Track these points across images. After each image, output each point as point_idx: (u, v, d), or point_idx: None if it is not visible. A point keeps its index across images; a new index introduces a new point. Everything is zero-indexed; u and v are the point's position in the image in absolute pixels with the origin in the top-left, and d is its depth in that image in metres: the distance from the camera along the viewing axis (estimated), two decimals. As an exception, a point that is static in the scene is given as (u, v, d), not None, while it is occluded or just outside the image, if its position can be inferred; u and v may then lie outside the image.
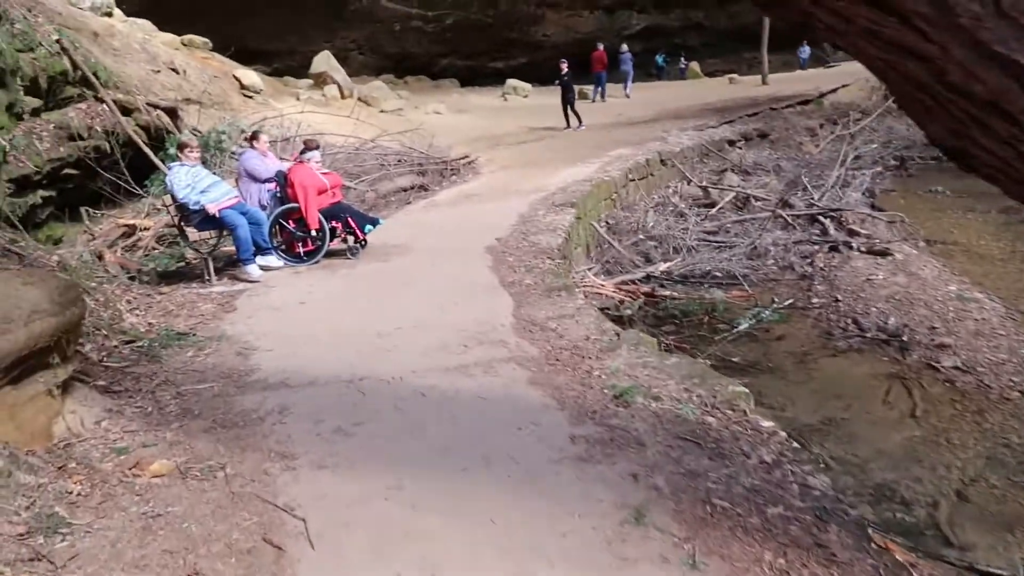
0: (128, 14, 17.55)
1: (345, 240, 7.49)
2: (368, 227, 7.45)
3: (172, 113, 12.01)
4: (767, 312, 7.23)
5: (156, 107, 11.89)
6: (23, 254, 4.55)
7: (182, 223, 6.93)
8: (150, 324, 5.49)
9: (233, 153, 11.58)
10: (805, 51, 30.17)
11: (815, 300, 7.53)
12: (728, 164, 14.03)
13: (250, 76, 17.00)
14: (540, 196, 9.89)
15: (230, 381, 4.24)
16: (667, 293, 8.00)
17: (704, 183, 12.32)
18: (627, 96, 23.93)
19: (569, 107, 17.17)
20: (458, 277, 6.44)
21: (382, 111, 18.64)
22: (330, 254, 7.39)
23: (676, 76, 31.82)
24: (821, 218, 9.89)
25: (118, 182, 10.32)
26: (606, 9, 33.93)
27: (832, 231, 9.38)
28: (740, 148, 15.10)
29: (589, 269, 8.79)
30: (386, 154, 13.05)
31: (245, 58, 23.22)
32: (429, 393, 3.89)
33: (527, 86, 23.99)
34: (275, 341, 4.96)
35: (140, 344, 4.82)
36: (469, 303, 5.58)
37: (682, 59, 32.30)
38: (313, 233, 7.26)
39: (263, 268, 7.04)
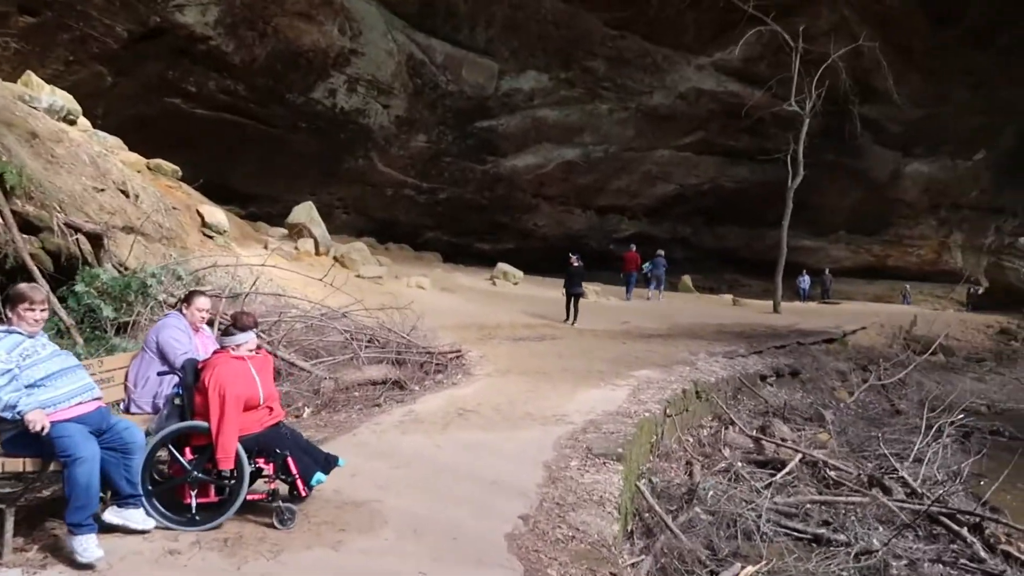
0: (111, 131, 15.09)
1: (272, 492, 4.26)
2: (317, 478, 4.28)
3: (95, 240, 9.01)
4: None
5: (77, 229, 8.92)
6: None
7: (-20, 435, 3.70)
8: None
9: (161, 303, 8.56)
10: (805, 280, 28.89)
11: None
12: (765, 405, 11.30)
13: (216, 214, 14.28)
14: (565, 431, 6.87)
15: None
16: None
17: (754, 432, 9.48)
18: (657, 299, 23.75)
19: (573, 301, 15.62)
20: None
21: (359, 275, 15.90)
22: (246, 506, 4.17)
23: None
24: (948, 520, 6.93)
25: (-14, 319, 7.21)
26: (598, 210, 32.86)
27: (979, 548, 6.39)
28: (771, 385, 12.47)
29: (635, 565, 5.61)
30: (356, 331, 10.05)
31: (222, 196, 20.70)
32: None
33: (518, 273, 21.71)
34: None
35: None
36: None
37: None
38: (225, 473, 4.08)
39: (115, 527, 3.80)
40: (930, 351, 16.75)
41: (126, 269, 9.12)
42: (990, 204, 36.64)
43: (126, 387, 4.80)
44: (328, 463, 4.51)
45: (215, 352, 4.32)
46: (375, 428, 6.68)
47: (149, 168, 14.68)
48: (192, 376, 4.19)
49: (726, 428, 9.55)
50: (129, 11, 16.08)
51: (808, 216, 32.28)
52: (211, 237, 13.92)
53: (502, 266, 21.96)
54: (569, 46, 25.79)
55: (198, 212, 14.16)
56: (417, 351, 9.83)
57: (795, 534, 6.91)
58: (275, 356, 8.71)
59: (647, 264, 23.97)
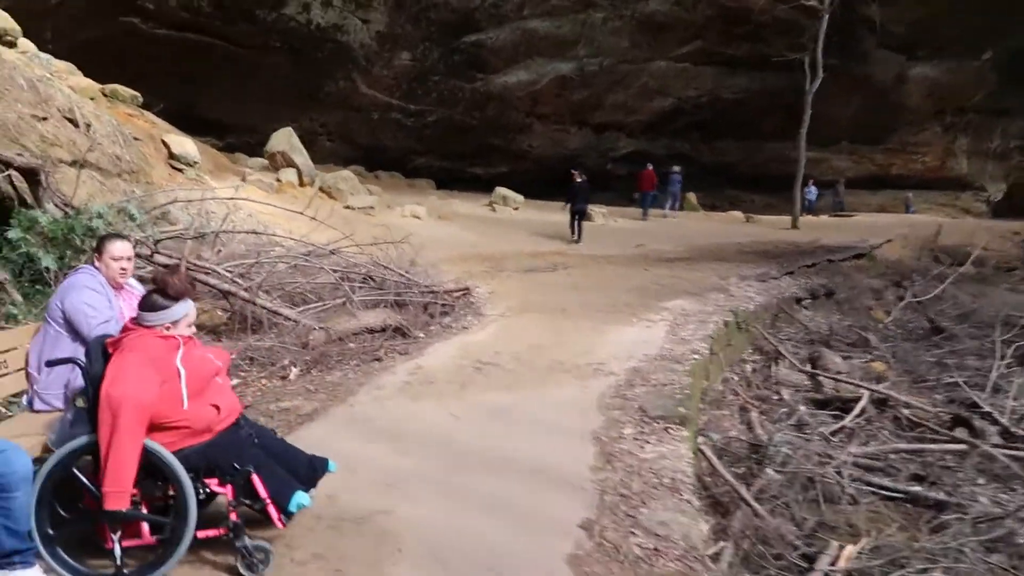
0: (63, 57, 13.31)
1: (234, 525, 2.90)
2: (297, 501, 2.91)
3: (31, 176, 7.47)
4: None
5: (8, 164, 7.35)
6: None
7: None
8: None
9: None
10: (812, 192, 27.30)
11: None
12: (805, 331, 10.04)
13: (184, 144, 12.61)
14: (607, 385, 5.55)
15: None
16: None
17: (806, 365, 8.22)
18: (672, 216, 23.09)
19: (577, 219, 15.44)
20: None
21: (347, 207, 14.36)
22: (198, 544, 2.83)
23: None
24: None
25: None
26: (594, 128, 30.97)
27: None
28: (806, 308, 11.19)
29: (715, 555, 4.37)
30: (349, 270, 8.63)
31: (195, 126, 18.91)
32: None
33: (519, 197, 20.10)
34: None
35: None
36: None
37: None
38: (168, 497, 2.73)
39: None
40: (968, 262, 15.46)
41: (72, 209, 7.61)
42: (996, 106, 34.80)
43: (27, 375, 3.40)
44: (314, 470, 3.16)
45: (128, 327, 2.87)
46: (377, 393, 5.33)
47: (105, 95, 12.91)
48: (101, 363, 2.78)
49: (775, 363, 8.27)
50: (69, -84, 13.96)
51: (809, 126, 30.70)
52: (180, 170, 12.31)
53: (501, 190, 20.33)
54: (559, -52, 23.56)
55: (163, 143, 12.49)
56: (419, 290, 8.44)
57: (884, 493, 5.71)
58: (254, 304, 7.35)
59: None
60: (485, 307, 8.50)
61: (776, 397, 7.32)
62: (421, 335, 7.42)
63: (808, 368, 8.09)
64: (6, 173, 7.42)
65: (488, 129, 27.38)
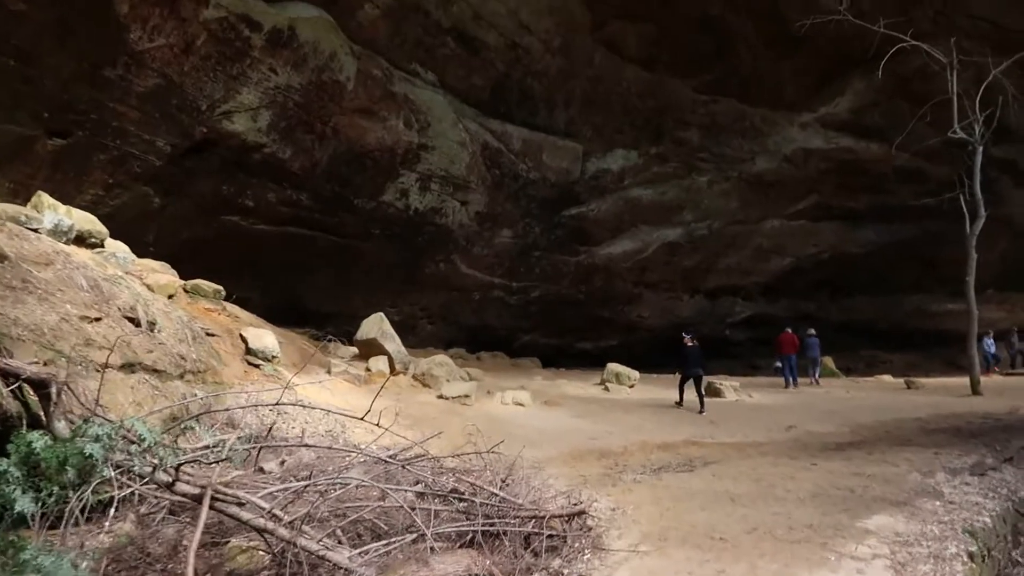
0: (164, 258, 12.90)
1: None
2: None
3: (40, 387, 5.97)
4: None
5: (16, 376, 5.89)
6: None
7: None
8: None
9: (113, 482, 5.40)
10: (991, 345, 23.64)
11: None
12: (1067, 549, 6.96)
13: (263, 338, 11.34)
14: None
15: None
16: None
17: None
18: (817, 383, 20.60)
19: (694, 386, 14.07)
20: None
21: (440, 396, 12.50)
22: None
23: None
24: None
25: None
26: (707, 294, 28.78)
27: None
28: (1046, 508, 8.05)
29: None
30: (428, 483, 6.53)
31: (296, 318, 18.22)
32: None
33: (634, 373, 17.75)
34: None
35: None
36: None
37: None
38: None
39: None
40: None
41: (77, 424, 5.99)
42: None
43: None
44: None
45: None
46: None
47: (186, 290, 12.03)
48: None
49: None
50: (171, 123, 13.98)
51: (945, 275, 27.32)
52: (257, 366, 10.94)
53: (613, 367, 18.11)
54: (657, 117, 22.71)
55: (241, 336, 11.27)
56: (517, 514, 6.17)
57: None
58: (295, 546, 5.32)
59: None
60: (607, 535, 6.10)
61: None
62: (520, 591, 5.10)
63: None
64: (15, 385, 5.95)
65: (595, 302, 25.74)
